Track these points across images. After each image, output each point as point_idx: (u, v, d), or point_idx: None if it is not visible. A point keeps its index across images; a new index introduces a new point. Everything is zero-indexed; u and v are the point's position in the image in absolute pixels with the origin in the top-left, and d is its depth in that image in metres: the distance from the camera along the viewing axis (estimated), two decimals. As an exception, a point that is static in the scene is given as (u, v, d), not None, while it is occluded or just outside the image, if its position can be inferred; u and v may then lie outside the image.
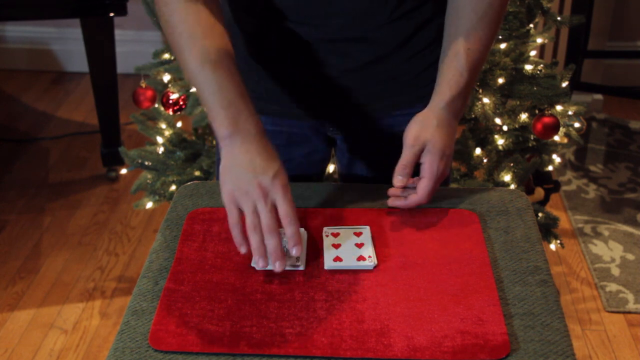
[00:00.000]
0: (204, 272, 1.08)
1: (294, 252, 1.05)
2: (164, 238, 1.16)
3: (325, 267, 1.08)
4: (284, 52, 1.25)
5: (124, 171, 2.48)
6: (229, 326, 0.98)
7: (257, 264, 1.05)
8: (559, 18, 2.07)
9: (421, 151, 1.15)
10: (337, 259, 1.08)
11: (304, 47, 1.21)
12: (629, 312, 2.30)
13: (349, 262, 1.08)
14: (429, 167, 1.14)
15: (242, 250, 1.06)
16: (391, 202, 1.19)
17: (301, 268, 1.07)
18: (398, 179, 1.14)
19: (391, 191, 1.19)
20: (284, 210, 1.05)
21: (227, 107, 1.08)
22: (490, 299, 1.01)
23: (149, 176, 2.18)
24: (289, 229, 1.05)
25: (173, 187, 2.14)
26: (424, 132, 1.14)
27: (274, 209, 1.05)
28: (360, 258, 1.08)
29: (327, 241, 1.12)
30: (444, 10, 1.23)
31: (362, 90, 1.28)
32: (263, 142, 1.09)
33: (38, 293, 2.40)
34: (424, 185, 1.14)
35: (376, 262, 1.08)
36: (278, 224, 1.05)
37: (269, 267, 1.05)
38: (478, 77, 1.21)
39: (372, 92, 1.28)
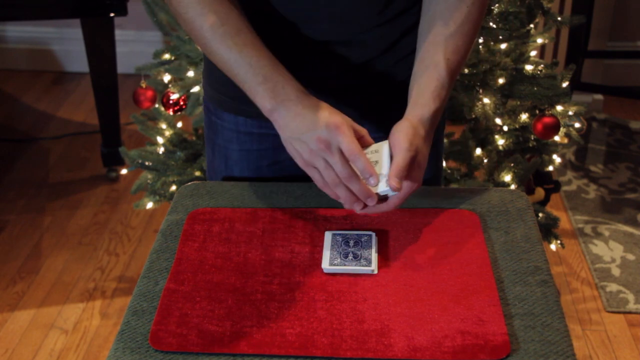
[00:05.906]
0: (204, 272, 1.08)
1: (371, 182, 1.06)
2: (164, 238, 1.16)
3: (323, 268, 1.07)
4: None
5: (124, 171, 2.48)
6: (229, 326, 0.98)
7: (355, 209, 1.07)
8: (559, 18, 2.07)
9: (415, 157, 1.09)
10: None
11: (288, 50, 1.21)
12: (629, 312, 2.30)
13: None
14: (412, 177, 1.08)
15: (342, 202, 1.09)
16: (352, 207, 1.11)
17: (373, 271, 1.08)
18: (396, 181, 1.06)
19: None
20: (347, 149, 1.05)
21: (263, 82, 1.11)
22: (490, 299, 1.01)
23: (149, 176, 2.18)
24: (358, 164, 1.05)
25: (173, 187, 2.14)
26: (416, 139, 1.09)
27: (343, 155, 1.06)
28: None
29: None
30: None
31: (347, 94, 1.27)
32: (306, 100, 1.10)
33: (38, 293, 2.40)
34: (401, 194, 1.08)
35: (377, 269, 1.08)
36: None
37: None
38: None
39: (358, 96, 1.28)
